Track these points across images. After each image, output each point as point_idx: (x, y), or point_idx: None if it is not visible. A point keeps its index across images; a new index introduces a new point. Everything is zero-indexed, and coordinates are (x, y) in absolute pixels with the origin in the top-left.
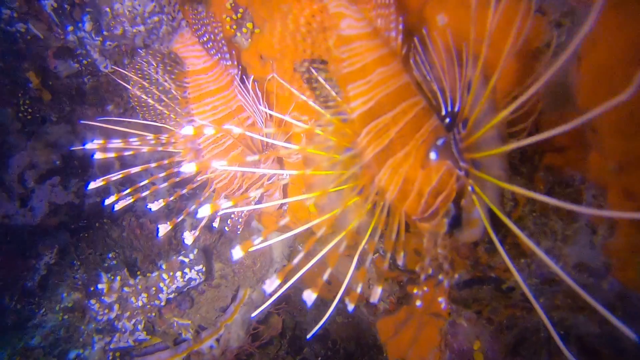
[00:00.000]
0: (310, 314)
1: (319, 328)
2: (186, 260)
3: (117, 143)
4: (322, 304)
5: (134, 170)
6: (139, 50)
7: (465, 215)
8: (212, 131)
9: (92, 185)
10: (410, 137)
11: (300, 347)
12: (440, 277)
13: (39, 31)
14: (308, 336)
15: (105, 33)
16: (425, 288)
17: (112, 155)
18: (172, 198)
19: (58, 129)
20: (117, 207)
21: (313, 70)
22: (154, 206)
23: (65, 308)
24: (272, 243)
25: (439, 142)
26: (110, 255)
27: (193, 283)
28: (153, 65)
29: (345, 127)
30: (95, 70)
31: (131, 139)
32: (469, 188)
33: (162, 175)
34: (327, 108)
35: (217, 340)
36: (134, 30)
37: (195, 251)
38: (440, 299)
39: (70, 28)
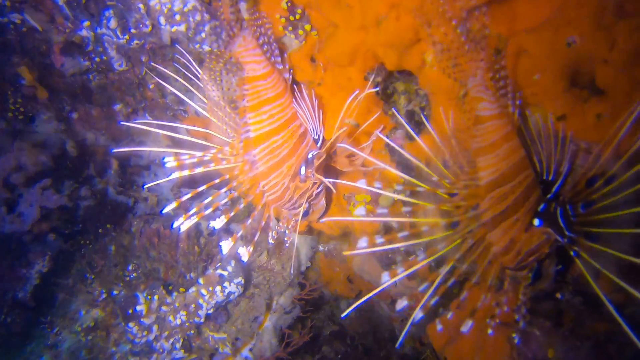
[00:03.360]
0: (324, 312)
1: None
2: (225, 273)
3: (189, 160)
4: (337, 299)
5: (200, 188)
6: (175, 44)
7: (544, 271)
8: None
9: (168, 208)
10: (522, 205)
11: (319, 345)
12: (516, 317)
13: (37, 23)
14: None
15: (132, 31)
16: (498, 317)
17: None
18: (232, 213)
19: (48, 127)
20: (183, 228)
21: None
22: (217, 224)
23: (87, 328)
24: (298, 246)
25: (540, 208)
26: (130, 267)
27: (232, 297)
28: (217, 72)
29: (477, 191)
30: (107, 68)
31: (197, 154)
32: (571, 253)
33: (223, 190)
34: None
35: (251, 350)
36: (173, 29)
37: (233, 263)
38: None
39: (87, 23)
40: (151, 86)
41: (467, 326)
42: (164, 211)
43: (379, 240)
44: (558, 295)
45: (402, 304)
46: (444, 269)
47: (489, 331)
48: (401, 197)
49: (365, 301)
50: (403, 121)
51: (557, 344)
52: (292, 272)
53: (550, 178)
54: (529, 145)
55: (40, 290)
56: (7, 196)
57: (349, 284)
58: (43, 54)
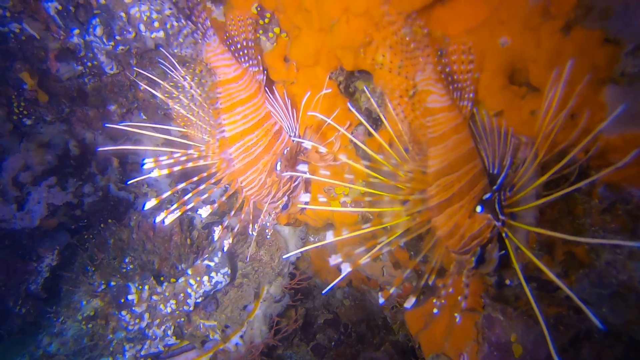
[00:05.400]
0: (319, 300)
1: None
2: (212, 264)
3: (167, 160)
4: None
5: (180, 186)
6: (160, 48)
7: (487, 256)
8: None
9: (149, 205)
10: (467, 193)
11: (313, 333)
12: (459, 298)
13: (35, 31)
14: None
15: (117, 37)
16: (443, 297)
17: (164, 171)
18: (216, 205)
19: (51, 128)
20: (166, 221)
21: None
22: (203, 212)
23: (87, 317)
24: (287, 237)
25: (485, 197)
26: (126, 259)
27: (219, 286)
28: (187, 79)
29: (425, 178)
30: (100, 71)
31: (175, 154)
32: (503, 234)
33: (202, 187)
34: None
35: (242, 337)
36: (152, 36)
37: (220, 254)
38: (459, 298)
39: (77, 31)
40: (142, 87)
41: (409, 302)
42: (145, 208)
43: (345, 232)
44: (507, 282)
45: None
46: (385, 238)
47: (435, 311)
48: (364, 189)
49: (342, 279)
50: (362, 119)
51: (518, 327)
52: (280, 262)
53: (495, 171)
54: (477, 139)
55: (49, 282)
56: (16, 194)
57: (339, 273)
58: (41, 60)
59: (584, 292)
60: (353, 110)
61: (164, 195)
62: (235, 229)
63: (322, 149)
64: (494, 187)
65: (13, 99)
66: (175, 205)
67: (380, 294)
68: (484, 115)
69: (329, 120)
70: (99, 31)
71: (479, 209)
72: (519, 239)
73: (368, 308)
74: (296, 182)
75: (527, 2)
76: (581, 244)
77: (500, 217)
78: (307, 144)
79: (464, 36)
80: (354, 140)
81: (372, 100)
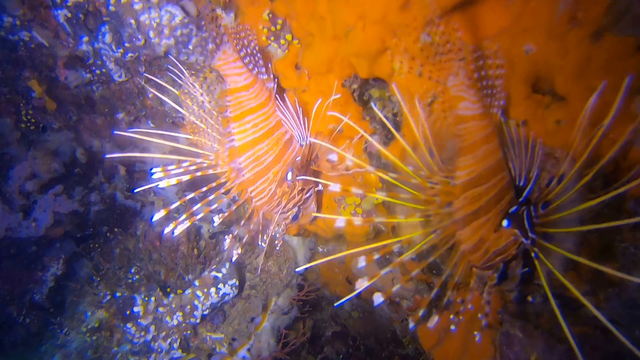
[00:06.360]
0: (327, 311)
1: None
2: (219, 275)
3: (176, 170)
4: (337, 300)
5: (189, 196)
6: (168, 55)
7: (510, 272)
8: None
9: (157, 216)
10: (494, 206)
11: (321, 345)
12: (479, 315)
13: (44, 39)
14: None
15: (126, 45)
16: (462, 314)
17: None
18: (227, 214)
19: (59, 136)
20: (176, 232)
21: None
22: (217, 219)
23: (92, 329)
24: (296, 248)
25: (512, 210)
26: (132, 270)
27: (227, 298)
28: (197, 87)
29: (452, 190)
30: (108, 79)
31: (184, 164)
32: (532, 254)
33: (211, 197)
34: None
35: (249, 350)
36: (163, 43)
37: (227, 265)
38: (479, 315)
39: (86, 39)
40: (150, 95)
41: (433, 322)
42: (154, 219)
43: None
44: (529, 298)
45: (378, 299)
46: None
47: (452, 327)
48: (382, 197)
49: (358, 294)
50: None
51: (539, 347)
52: (288, 273)
53: (522, 184)
54: (505, 149)
55: (54, 292)
56: (22, 203)
57: (348, 285)
58: (49, 68)
59: (614, 313)
60: (375, 108)
61: (173, 206)
62: (244, 240)
63: (333, 157)
64: (520, 200)
65: (21, 107)
66: (184, 216)
67: (410, 319)
68: (512, 124)
69: (348, 122)
70: (107, 38)
71: (505, 223)
72: (553, 263)
73: (377, 320)
74: (308, 194)
75: (553, 8)
76: (611, 261)
77: (530, 235)
78: (320, 150)
79: (484, 44)
80: (374, 143)
81: (400, 103)
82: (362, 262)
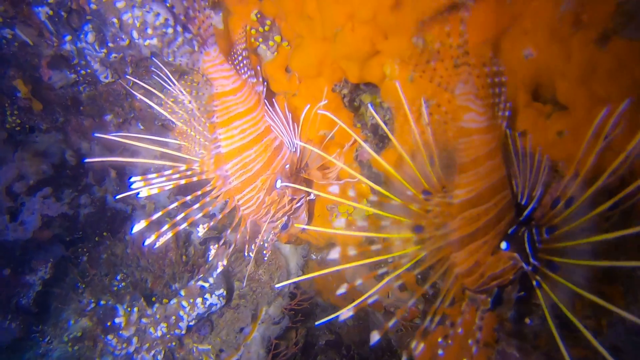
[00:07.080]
0: (320, 319)
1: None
2: (206, 285)
3: (156, 179)
4: (331, 308)
5: (172, 206)
6: (152, 57)
7: (505, 297)
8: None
9: (137, 227)
10: (492, 228)
11: (315, 354)
12: (469, 341)
13: (28, 37)
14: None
15: (110, 45)
16: (450, 338)
17: (155, 190)
18: (212, 222)
19: (47, 137)
20: (158, 244)
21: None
22: (200, 230)
23: (74, 338)
24: (288, 256)
25: (510, 231)
26: (118, 277)
27: (214, 308)
28: (184, 92)
29: (450, 209)
30: (94, 80)
31: (166, 172)
32: (534, 282)
33: (196, 207)
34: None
35: None
36: (146, 43)
37: (215, 274)
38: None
39: (69, 38)
40: (138, 97)
41: (418, 349)
42: (133, 231)
43: (352, 252)
44: (527, 321)
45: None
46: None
47: (439, 352)
48: (372, 209)
49: (358, 304)
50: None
51: None
52: (279, 282)
53: (523, 202)
54: (509, 164)
55: (41, 296)
56: (9, 205)
57: (344, 295)
58: (34, 68)
59: (617, 339)
60: (371, 109)
61: (154, 217)
62: (231, 249)
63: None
64: (520, 219)
65: (7, 107)
66: (166, 227)
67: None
68: (517, 137)
69: (342, 125)
70: (90, 38)
71: (504, 245)
72: (559, 297)
73: (372, 329)
74: (298, 204)
75: (555, 9)
76: (614, 284)
77: (532, 261)
78: (310, 158)
79: (481, 47)
80: (369, 150)
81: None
82: (334, 254)
